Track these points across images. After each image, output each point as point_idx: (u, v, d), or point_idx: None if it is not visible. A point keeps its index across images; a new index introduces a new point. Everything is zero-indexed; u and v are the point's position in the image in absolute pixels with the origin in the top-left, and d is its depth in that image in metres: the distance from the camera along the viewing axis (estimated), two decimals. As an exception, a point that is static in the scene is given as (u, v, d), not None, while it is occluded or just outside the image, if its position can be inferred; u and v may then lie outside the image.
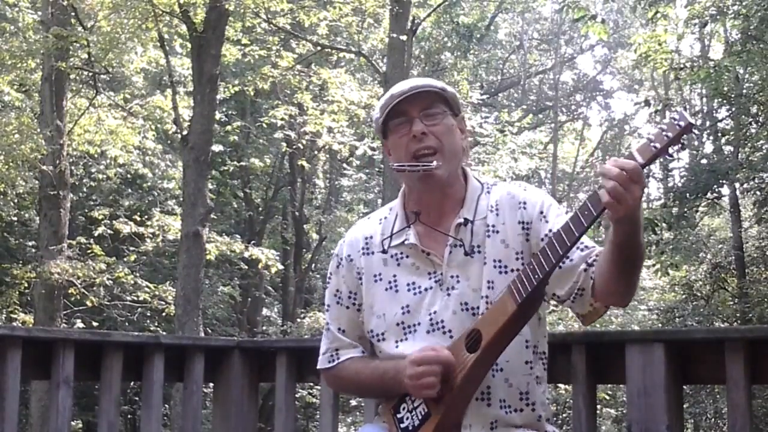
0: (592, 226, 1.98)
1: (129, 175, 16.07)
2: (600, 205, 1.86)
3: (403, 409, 2.19)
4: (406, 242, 2.22)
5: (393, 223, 2.26)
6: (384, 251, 2.24)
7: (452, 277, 2.16)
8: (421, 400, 2.14)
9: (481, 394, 2.12)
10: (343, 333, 2.31)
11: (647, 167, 1.88)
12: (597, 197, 1.87)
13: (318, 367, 2.37)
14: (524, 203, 2.19)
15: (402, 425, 2.18)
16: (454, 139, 2.20)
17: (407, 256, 2.22)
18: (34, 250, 14.93)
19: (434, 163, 2.14)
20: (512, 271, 2.13)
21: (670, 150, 1.83)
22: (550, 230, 2.11)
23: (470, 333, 2.07)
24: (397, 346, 2.19)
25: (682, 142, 1.82)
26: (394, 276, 2.22)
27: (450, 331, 2.14)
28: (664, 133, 1.82)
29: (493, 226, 2.18)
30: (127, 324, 15.10)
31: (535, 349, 2.20)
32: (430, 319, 2.16)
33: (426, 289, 2.18)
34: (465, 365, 2.05)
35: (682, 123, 1.80)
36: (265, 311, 20.22)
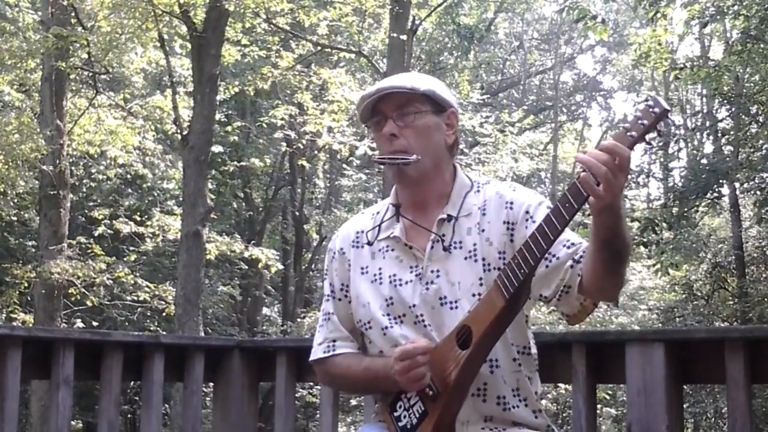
0: (582, 228, 1.96)
1: (129, 176, 16.08)
2: (581, 196, 1.84)
3: (400, 407, 2.19)
4: (391, 235, 2.25)
5: (383, 217, 2.30)
6: (369, 243, 2.28)
7: (432, 271, 2.18)
8: (417, 398, 2.15)
9: (477, 390, 2.14)
10: (340, 323, 2.34)
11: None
12: (577, 188, 1.84)
13: (312, 358, 2.37)
14: (511, 203, 2.19)
15: (400, 424, 2.18)
16: (430, 138, 2.20)
17: (392, 249, 2.25)
18: (34, 250, 14.93)
19: (413, 156, 2.16)
20: (495, 269, 2.13)
21: (647, 137, 1.81)
22: None
23: (461, 329, 2.07)
24: (384, 333, 2.22)
25: (658, 129, 1.80)
26: (380, 269, 2.25)
27: (429, 325, 2.16)
28: (640, 121, 1.80)
29: (479, 224, 2.19)
30: (127, 324, 15.10)
31: (524, 349, 2.21)
32: (412, 312, 2.18)
33: (406, 282, 2.20)
34: (458, 362, 2.05)
35: (657, 110, 1.78)
36: (265, 311, 20.23)
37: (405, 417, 2.17)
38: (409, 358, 2.07)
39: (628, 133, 1.81)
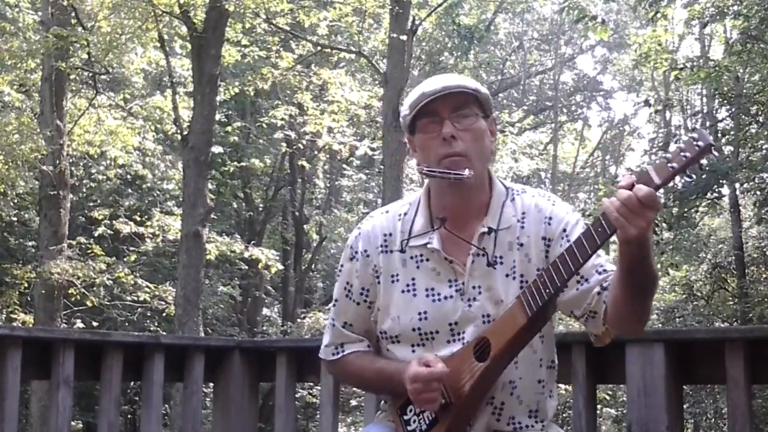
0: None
1: (129, 176, 16.08)
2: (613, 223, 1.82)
3: (410, 411, 2.17)
4: (428, 245, 2.15)
5: (412, 221, 2.20)
6: (402, 251, 2.17)
7: (474, 287, 2.11)
8: None
9: (494, 409, 2.12)
10: (350, 327, 2.25)
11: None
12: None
13: (320, 356, 2.33)
14: (550, 218, 2.13)
15: (409, 428, 2.16)
16: (484, 143, 2.13)
17: (427, 260, 2.15)
18: (34, 250, 14.93)
19: (466, 172, 2.06)
20: (528, 284, 2.08)
21: (688, 170, 1.77)
22: None
23: (479, 341, 2.05)
24: (413, 351, 2.15)
25: (700, 162, 1.76)
26: (413, 279, 2.16)
27: (468, 342, 2.10)
28: (682, 153, 1.75)
29: (518, 238, 2.13)
30: (127, 324, 15.10)
31: (551, 363, 2.20)
32: (451, 330, 2.11)
33: (446, 298, 2.12)
34: (473, 374, 2.03)
35: (701, 143, 1.74)
36: (265, 311, 20.22)
37: (414, 422, 2.15)
38: (420, 382, 2.02)
39: (669, 165, 1.77)
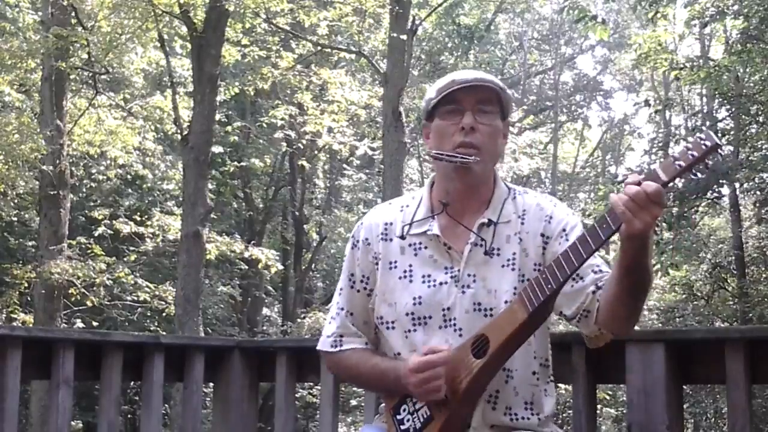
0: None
1: (129, 176, 16.08)
2: (618, 219, 1.85)
3: (404, 410, 2.17)
4: (428, 232, 2.20)
5: (415, 211, 2.25)
6: (402, 237, 2.22)
7: (469, 275, 2.15)
8: (423, 403, 2.13)
9: (489, 397, 2.13)
10: (351, 317, 2.29)
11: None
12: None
13: (319, 347, 2.35)
14: (550, 217, 2.19)
15: (402, 427, 2.16)
16: (497, 141, 2.20)
17: (426, 247, 2.20)
18: (34, 250, 14.93)
19: (473, 158, 2.12)
20: (528, 281, 2.12)
21: (694, 169, 1.80)
22: None
23: (477, 338, 2.05)
24: (406, 337, 2.18)
25: (706, 162, 1.80)
26: (410, 266, 2.21)
27: (461, 329, 2.13)
28: (689, 152, 1.79)
29: (518, 233, 2.18)
30: (127, 324, 15.10)
31: (544, 362, 2.22)
32: (443, 315, 2.15)
33: (441, 284, 2.16)
34: (471, 370, 2.03)
35: (708, 143, 1.78)
36: (265, 311, 20.23)
37: (408, 420, 2.15)
38: (428, 369, 2.04)
39: (676, 162, 1.81)
